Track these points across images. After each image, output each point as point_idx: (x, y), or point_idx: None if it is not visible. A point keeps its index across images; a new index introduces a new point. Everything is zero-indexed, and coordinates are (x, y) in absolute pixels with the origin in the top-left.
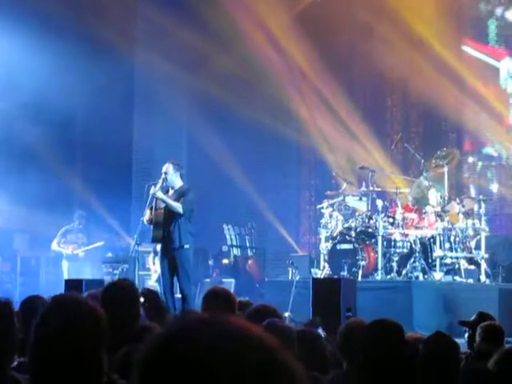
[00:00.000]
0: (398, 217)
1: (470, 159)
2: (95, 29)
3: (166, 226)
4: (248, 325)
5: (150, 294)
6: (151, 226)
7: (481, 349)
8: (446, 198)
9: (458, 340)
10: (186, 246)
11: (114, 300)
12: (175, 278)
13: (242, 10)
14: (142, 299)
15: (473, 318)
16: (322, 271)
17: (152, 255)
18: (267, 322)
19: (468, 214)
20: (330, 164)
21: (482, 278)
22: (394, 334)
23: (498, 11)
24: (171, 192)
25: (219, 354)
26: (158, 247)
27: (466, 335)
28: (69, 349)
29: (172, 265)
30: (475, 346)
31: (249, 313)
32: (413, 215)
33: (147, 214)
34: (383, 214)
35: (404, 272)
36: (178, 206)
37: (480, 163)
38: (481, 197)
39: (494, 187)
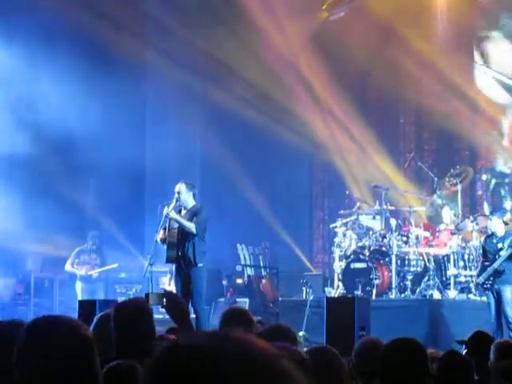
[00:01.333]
0: (412, 235)
1: (484, 176)
2: (108, 44)
3: (179, 246)
4: (259, 342)
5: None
6: (165, 247)
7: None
8: (460, 216)
9: None
10: (200, 265)
11: (126, 319)
12: (190, 298)
13: (256, 30)
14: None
15: (469, 336)
16: (336, 290)
17: (168, 276)
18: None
19: (482, 232)
20: (344, 183)
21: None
22: (417, 352)
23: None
24: (184, 212)
25: (226, 370)
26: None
27: (464, 353)
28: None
29: (186, 284)
30: (490, 365)
31: (262, 332)
32: (426, 233)
33: (160, 234)
34: (397, 233)
35: (418, 290)
36: (191, 226)
37: (493, 180)
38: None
39: (508, 204)
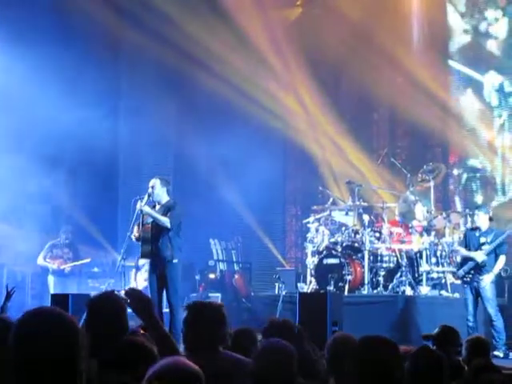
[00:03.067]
0: (385, 231)
1: (456, 171)
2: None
3: (154, 241)
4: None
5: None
6: (139, 242)
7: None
8: (433, 213)
9: None
10: (175, 261)
11: (100, 312)
12: (164, 293)
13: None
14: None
15: (435, 331)
16: (309, 286)
17: (134, 271)
18: (265, 343)
19: (454, 229)
20: (318, 179)
21: None
22: (388, 350)
23: (483, 27)
24: (158, 207)
25: None
26: (141, 262)
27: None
28: (42, 358)
29: (161, 279)
30: (463, 361)
31: (267, 328)
32: (399, 229)
33: (135, 231)
34: (369, 229)
35: (391, 286)
36: (165, 221)
37: (465, 175)
38: (467, 211)
39: (479, 199)
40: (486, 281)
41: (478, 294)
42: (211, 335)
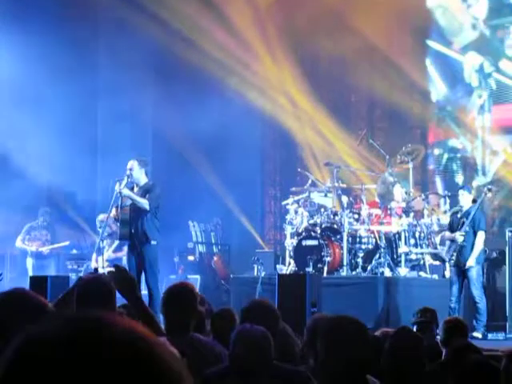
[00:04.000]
0: (364, 213)
1: (436, 151)
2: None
3: (132, 223)
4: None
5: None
6: (118, 224)
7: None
8: (411, 194)
9: None
10: (154, 243)
11: (88, 296)
12: (142, 275)
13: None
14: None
15: (418, 315)
16: (288, 267)
17: (94, 255)
18: (240, 329)
19: (433, 210)
20: (296, 160)
21: (447, 273)
22: (352, 334)
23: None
24: (136, 189)
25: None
26: (103, 243)
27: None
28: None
29: (139, 261)
30: (440, 342)
31: (246, 307)
32: (378, 211)
33: (113, 212)
34: (348, 210)
35: (369, 268)
36: (144, 203)
37: (446, 155)
38: (446, 192)
39: (460, 179)
40: (469, 263)
41: (464, 276)
42: (183, 319)
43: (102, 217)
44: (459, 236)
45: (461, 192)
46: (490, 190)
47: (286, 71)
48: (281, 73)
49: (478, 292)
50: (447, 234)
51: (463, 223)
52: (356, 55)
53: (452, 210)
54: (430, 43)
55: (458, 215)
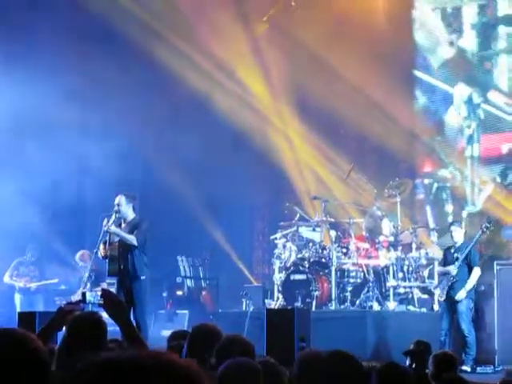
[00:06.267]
0: (352, 247)
1: (426, 180)
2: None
3: (121, 259)
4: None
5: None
6: (106, 260)
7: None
8: (399, 228)
9: None
10: (143, 278)
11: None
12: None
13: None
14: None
15: (412, 346)
16: (276, 302)
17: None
18: (230, 362)
19: (422, 244)
20: (285, 194)
21: (436, 307)
22: (350, 367)
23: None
24: (124, 225)
25: None
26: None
27: (407, 362)
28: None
29: (128, 297)
30: (430, 376)
31: (221, 345)
32: (366, 245)
33: (101, 249)
34: (336, 245)
35: (358, 302)
36: (132, 239)
37: (435, 184)
38: (434, 226)
39: (449, 208)
40: (460, 295)
41: (454, 310)
42: None
43: (80, 254)
44: (453, 269)
45: (453, 228)
46: (488, 228)
47: (279, 108)
48: (272, 110)
49: (467, 326)
50: (439, 268)
51: (457, 258)
52: (340, 96)
53: (446, 246)
54: (418, 73)
55: (452, 250)
